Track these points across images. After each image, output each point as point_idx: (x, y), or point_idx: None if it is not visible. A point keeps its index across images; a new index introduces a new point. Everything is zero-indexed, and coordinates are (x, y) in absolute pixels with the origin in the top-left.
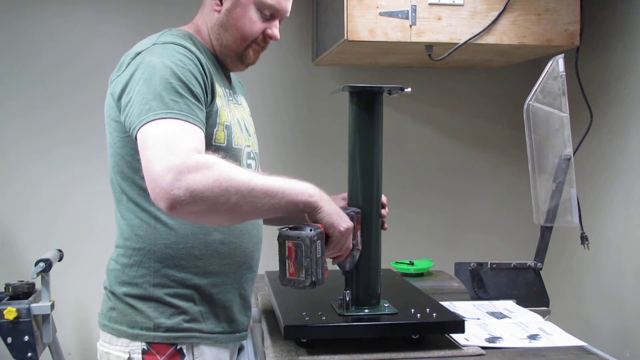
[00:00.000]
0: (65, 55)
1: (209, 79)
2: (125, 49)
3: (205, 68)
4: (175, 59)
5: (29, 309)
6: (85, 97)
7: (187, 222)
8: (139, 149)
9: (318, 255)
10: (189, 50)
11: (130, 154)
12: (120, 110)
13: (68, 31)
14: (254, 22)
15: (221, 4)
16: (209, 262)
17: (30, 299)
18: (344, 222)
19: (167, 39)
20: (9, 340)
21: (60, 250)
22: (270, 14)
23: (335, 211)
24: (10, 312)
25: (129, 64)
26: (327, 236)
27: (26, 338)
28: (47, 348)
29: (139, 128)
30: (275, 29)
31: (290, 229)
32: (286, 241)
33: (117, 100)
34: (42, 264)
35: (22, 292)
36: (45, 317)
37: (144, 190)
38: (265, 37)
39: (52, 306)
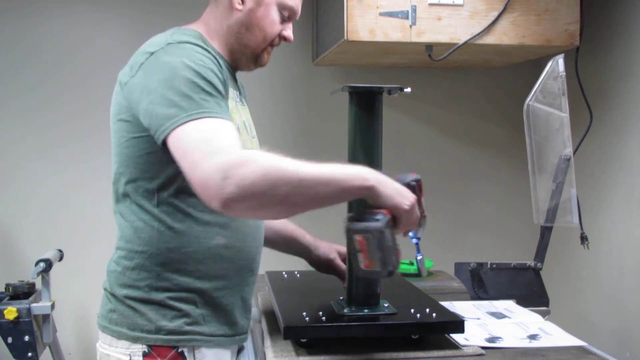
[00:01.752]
0: (65, 55)
1: (226, 79)
2: (125, 49)
3: (223, 67)
4: (195, 58)
5: (29, 309)
6: (85, 97)
7: (191, 226)
8: (175, 153)
9: (389, 244)
10: (206, 49)
11: (139, 154)
12: (138, 112)
13: (68, 31)
14: (275, 23)
15: (243, 3)
16: (212, 266)
17: (31, 299)
18: (406, 199)
19: (181, 38)
20: (9, 340)
21: (60, 250)
22: (287, 15)
23: (395, 191)
24: (10, 312)
25: (142, 64)
26: (394, 217)
27: (26, 338)
28: (47, 348)
29: (171, 131)
30: (290, 31)
31: (356, 220)
32: (354, 235)
33: (135, 103)
34: (42, 264)
35: (23, 292)
36: (46, 317)
37: (148, 192)
38: (280, 38)
39: (53, 306)
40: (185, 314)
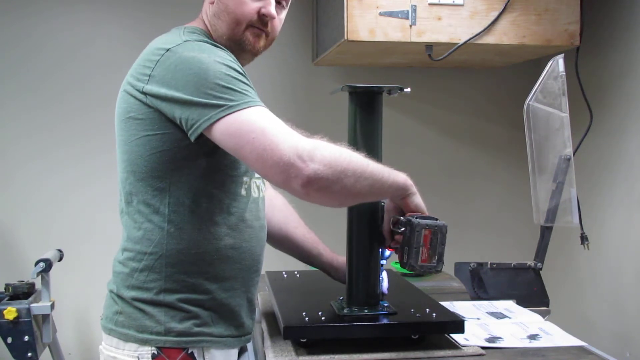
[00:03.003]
0: (65, 55)
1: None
2: (125, 49)
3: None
4: (220, 53)
5: (29, 309)
6: (85, 97)
7: (201, 227)
8: (229, 141)
9: (446, 242)
10: (219, 47)
11: (150, 152)
12: (162, 107)
13: (68, 31)
14: (243, 3)
15: None
16: (220, 267)
17: (30, 299)
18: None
19: (196, 37)
20: (9, 340)
21: (60, 250)
22: None
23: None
24: (10, 312)
25: (158, 61)
26: None
27: (26, 338)
28: (47, 348)
29: (217, 120)
30: (269, 7)
31: (420, 218)
32: (423, 229)
33: (158, 98)
34: (42, 264)
35: (22, 292)
36: (45, 317)
37: (159, 191)
38: (262, 18)
39: (52, 306)
40: (194, 315)
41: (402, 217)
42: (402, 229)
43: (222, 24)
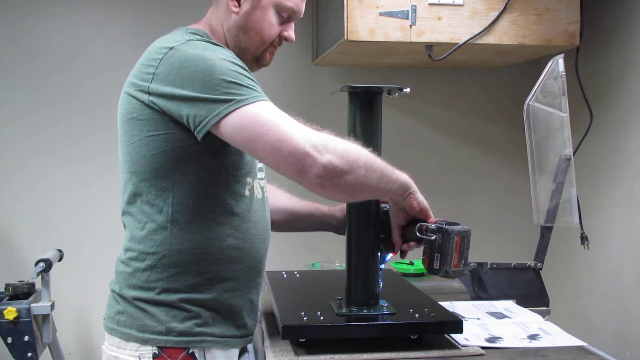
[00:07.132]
0: (64, 55)
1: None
2: (124, 49)
3: None
4: (224, 51)
5: (29, 309)
6: (84, 97)
7: (204, 227)
8: (241, 134)
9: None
10: (224, 47)
11: (153, 153)
12: (167, 106)
13: (67, 31)
14: (272, 25)
15: (239, 5)
16: (222, 267)
17: (30, 299)
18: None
19: (198, 37)
20: (9, 340)
21: (60, 250)
22: (287, 16)
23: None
24: (10, 312)
25: (162, 59)
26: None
27: (26, 338)
28: (47, 348)
29: (227, 115)
30: (291, 31)
31: (448, 224)
32: (456, 236)
33: (163, 97)
34: (42, 264)
35: (22, 292)
36: (45, 317)
37: (162, 191)
38: (281, 39)
39: (52, 306)
40: (195, 315)
41: (429, 224)
42: (433, 236)
43: (247, 39)
